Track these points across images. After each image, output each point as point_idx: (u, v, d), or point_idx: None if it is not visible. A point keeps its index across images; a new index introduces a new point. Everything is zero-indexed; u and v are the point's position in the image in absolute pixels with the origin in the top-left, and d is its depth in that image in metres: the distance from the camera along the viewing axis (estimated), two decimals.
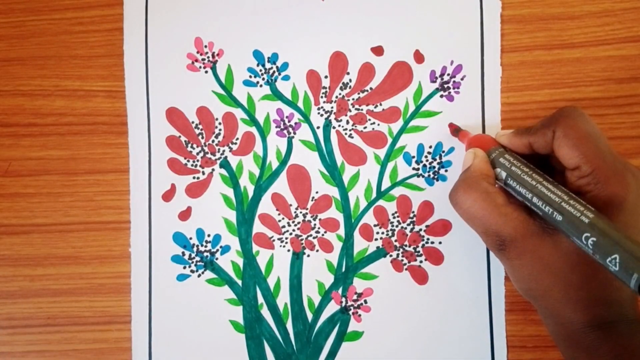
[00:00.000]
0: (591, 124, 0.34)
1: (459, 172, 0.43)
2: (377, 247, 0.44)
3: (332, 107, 0.45)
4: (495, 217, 0.34)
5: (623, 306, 0.33)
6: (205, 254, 0.44)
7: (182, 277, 0.44)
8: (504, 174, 0.36)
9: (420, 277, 0.43)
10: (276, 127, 0.45)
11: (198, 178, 0.45)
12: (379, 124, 0.44)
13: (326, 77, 0.45)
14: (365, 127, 0.44)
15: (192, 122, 0.45)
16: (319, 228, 0.44)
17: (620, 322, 0.32)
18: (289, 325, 0.44)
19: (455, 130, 0.43)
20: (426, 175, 0.44)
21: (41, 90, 0.46)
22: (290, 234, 0.44)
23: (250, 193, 0.45)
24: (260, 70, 0.45)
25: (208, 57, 0.45)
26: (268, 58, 0.45)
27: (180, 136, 0.45)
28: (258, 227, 0.44)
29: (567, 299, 0.33)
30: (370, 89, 0.44)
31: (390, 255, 0.44)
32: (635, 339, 0.32)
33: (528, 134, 0.36)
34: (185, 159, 0.45)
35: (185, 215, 0.44)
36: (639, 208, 0.32)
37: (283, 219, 0.44)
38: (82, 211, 0.45)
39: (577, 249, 0.33)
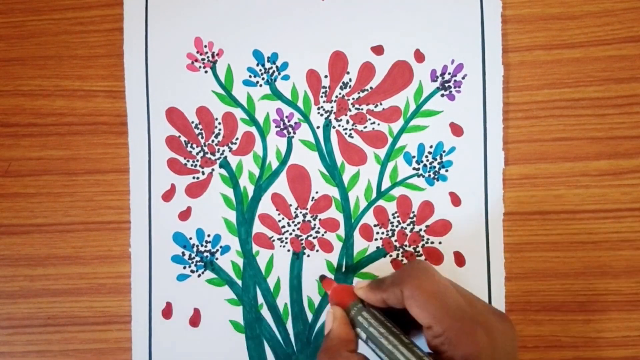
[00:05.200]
0: (437, 280, 0.34)
1: (459, 172, 0.43)
2: (377, 247, 0.44)
3: (332, 107, 0.44)
4: None
5: None
6: (205, 254, 0.44)
7: (182, 277, 0.44)
8: (364, 335, 0.36)
9: None
10: (276, 126, 0.45)
11: (198, 178, 0.45)
12: (379, 124, 0.44)
13: (326, 76, 0.45)
14: (365, 127, 0.44)
15: (192, 122, 0.45)
16: (319, 228, 0.44)
17: None
18: (289, 326, 0.44)
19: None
20: (426, 175, 0.44)
21: (41, 90, 0.46)
22: (290, 234, 0.44)
23: (250, 193, 0.45)
24: (260, 70, 0.45)
25: (208, 57, 0.45)
26: (268, 58, 0.45)
27: (180, 136, 0.45)
28: (258, 227, 0.44)
29: None
30: (371, 88, 0.44)
31: (390, 255, 0.44)
32: None
33: (380, 290, 0.36)
34: (185, 159, 0.45)
35: (185, 215, 0.44)
36: None
37: (283, 219, 0.44)
38: (82, 211, 0.45)
39: None
